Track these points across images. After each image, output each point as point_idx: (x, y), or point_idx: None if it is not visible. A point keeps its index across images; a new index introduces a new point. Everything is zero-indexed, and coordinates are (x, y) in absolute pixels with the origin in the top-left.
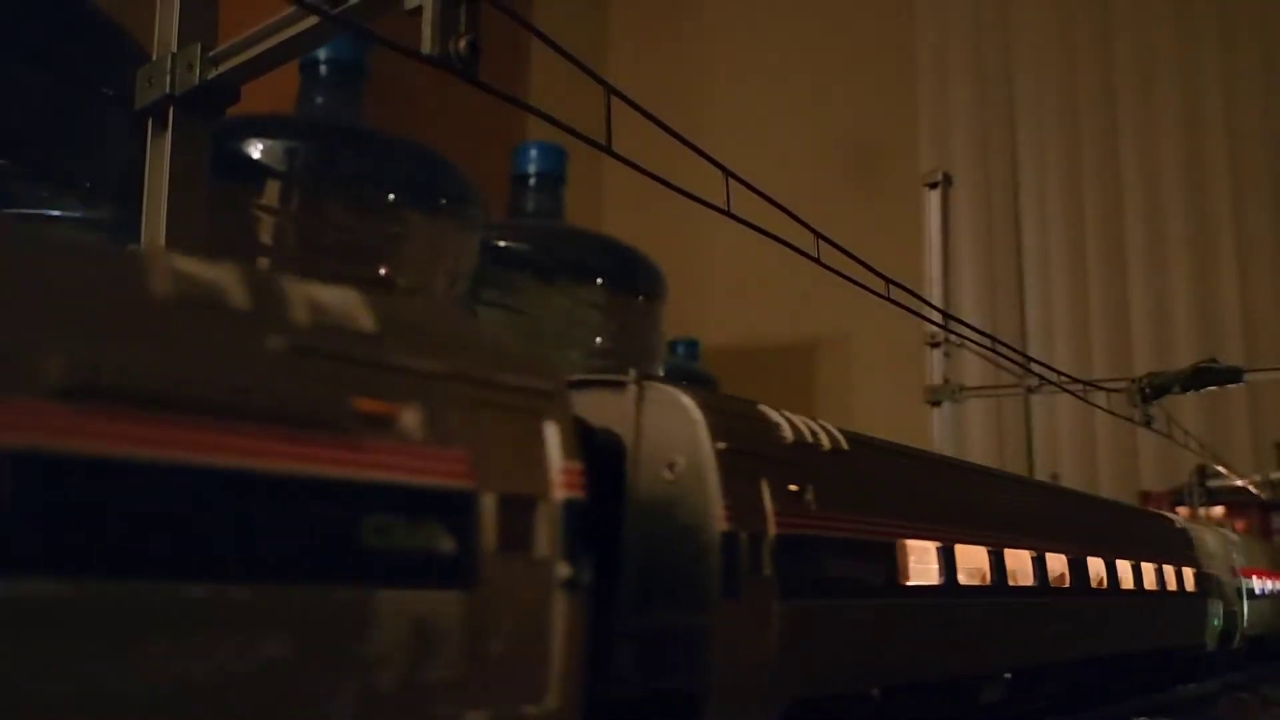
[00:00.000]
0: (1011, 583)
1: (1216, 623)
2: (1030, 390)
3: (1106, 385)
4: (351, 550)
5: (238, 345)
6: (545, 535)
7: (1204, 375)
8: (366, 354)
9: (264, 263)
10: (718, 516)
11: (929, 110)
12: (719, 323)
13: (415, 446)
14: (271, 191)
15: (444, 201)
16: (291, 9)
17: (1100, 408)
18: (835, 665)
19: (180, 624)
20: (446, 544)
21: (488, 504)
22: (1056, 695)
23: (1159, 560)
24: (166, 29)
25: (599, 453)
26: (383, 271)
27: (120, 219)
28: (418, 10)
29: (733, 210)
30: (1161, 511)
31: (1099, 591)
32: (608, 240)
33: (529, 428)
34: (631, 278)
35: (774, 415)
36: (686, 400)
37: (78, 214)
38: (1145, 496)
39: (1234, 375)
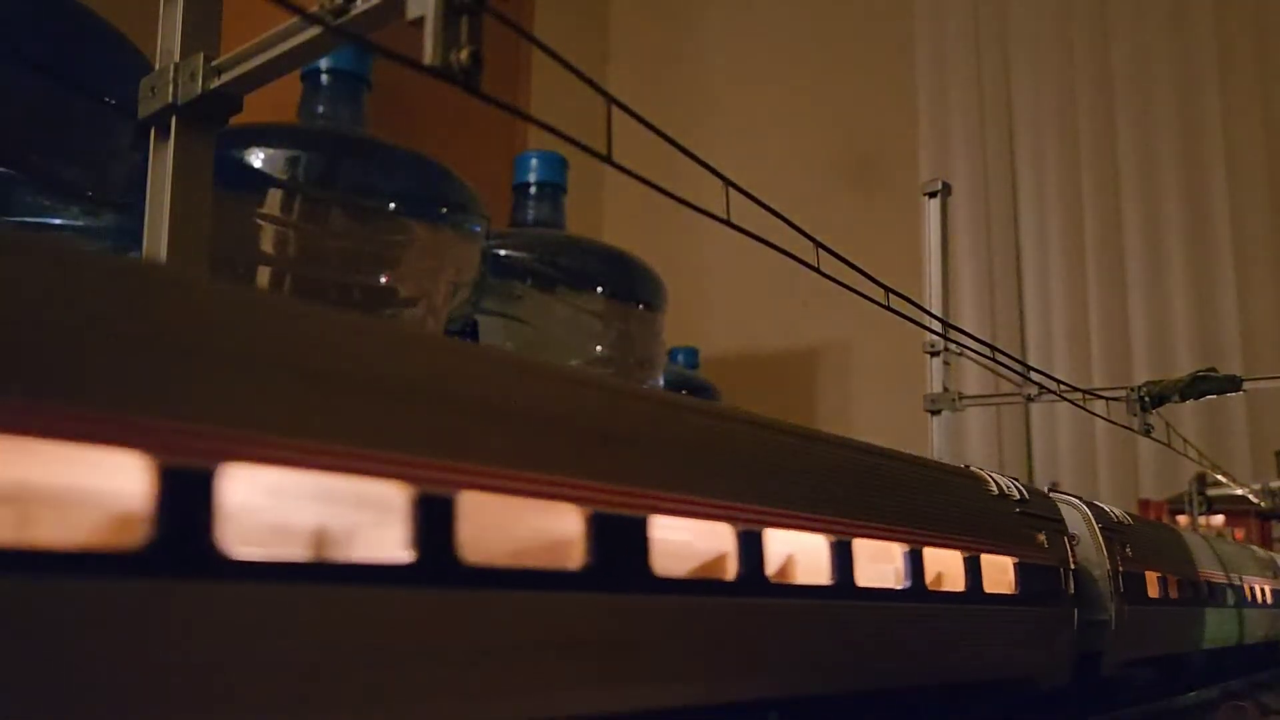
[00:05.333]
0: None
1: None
2: (1029, 399)
3: (1105, 394)
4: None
5: None
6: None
7: (1203, 384)
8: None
9: (266, 271)
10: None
11: (928, 120)
12: (719, 331)
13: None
14: (274, 201)
15: (445, 210)
16: (294, 19)
17: (1099, 416)
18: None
19: None
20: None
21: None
22: None
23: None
24: (170, 39)
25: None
26: (384, 280)
27: (123, 227)
28: (420, 21)
29: (733, 219)
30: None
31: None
32: (608, 249)
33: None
34: (632, 286)
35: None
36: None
37: (80, 222)
38: (1145, 505)
39: (1233, 384)
